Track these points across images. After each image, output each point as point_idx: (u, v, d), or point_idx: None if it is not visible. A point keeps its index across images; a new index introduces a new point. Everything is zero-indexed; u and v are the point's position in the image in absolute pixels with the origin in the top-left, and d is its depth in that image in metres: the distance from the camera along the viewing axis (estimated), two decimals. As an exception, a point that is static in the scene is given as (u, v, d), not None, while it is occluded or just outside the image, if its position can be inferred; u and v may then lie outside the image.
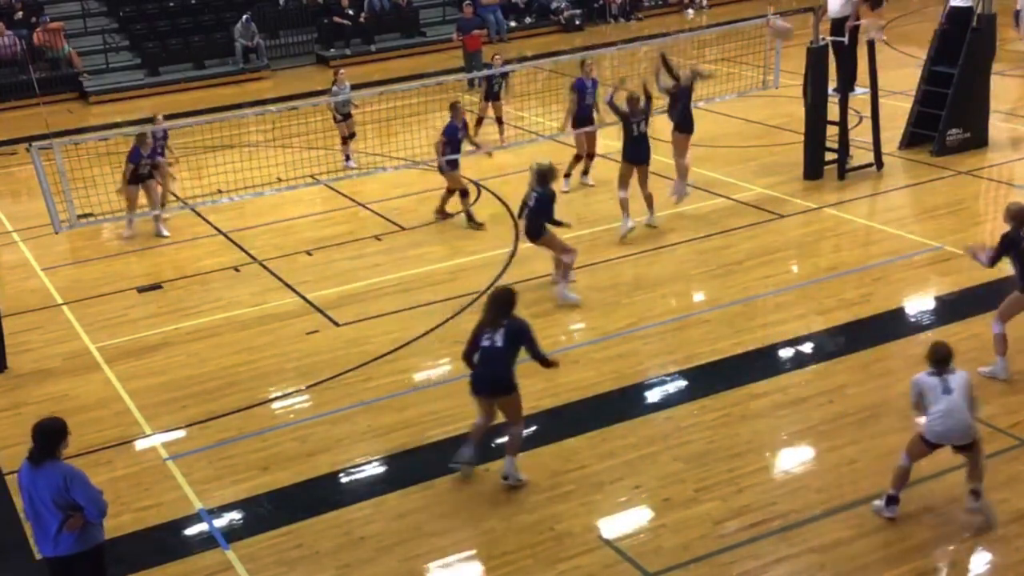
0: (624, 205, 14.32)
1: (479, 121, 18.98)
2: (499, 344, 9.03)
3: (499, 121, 18.97)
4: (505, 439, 9.46)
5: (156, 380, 11.70)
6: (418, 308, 12.80)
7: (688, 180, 15.21)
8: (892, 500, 8.64)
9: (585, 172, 16.65)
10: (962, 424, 8.32)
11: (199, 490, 9.63)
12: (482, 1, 28.17)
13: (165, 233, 15.94)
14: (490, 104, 19.01)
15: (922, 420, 8.49)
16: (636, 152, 14.22)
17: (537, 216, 12.49)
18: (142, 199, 15.82)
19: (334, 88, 18.44)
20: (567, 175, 16.29)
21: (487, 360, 9.11)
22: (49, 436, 7.18)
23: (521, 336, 9.13)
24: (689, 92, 14.97)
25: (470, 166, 17.61)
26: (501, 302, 9.20)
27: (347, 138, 18.41)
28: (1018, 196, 15.56)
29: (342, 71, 19.01)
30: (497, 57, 19.86)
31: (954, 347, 11.14)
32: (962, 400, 8.34)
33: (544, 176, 12.39)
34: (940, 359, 8.48)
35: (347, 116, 18.41)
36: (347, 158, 18.43)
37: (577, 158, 16.49)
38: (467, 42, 23.98)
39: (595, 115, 16.21)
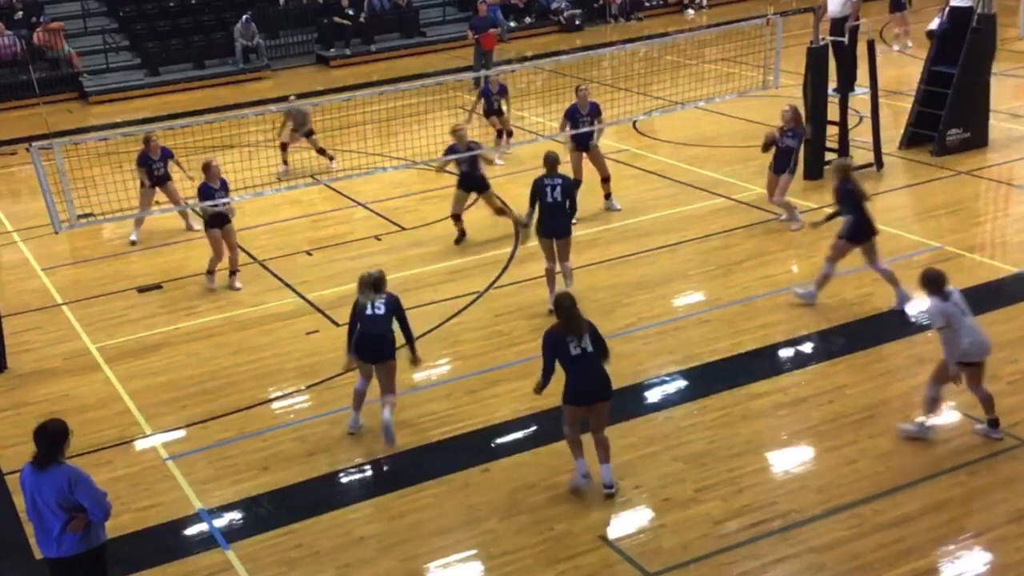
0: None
1: (499, 134, 18.58)
2: (591, 349, 8.91)
3: (506, 134, 18.61)
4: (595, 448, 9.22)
5: (156, 380, 11.71)
6: (418, 308, 12.77)
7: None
8: (927, 424, 9.58)
9: (607, 196, 15.65)
10: (986, 339, 9.33)
11: (199, 490, 9.64)
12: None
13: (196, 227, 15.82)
14: (495, 119, 18.66)
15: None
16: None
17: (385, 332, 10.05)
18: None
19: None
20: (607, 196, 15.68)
21: (587, 368, 8.91)
22: (54, 439, 7.18)
23: (599, 336, 9.05)
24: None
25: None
26: (572, 305, 8.99)
27: (284, 146, 18.27)
28: (1018, 196, 15.62)
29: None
30: (493, 77, 19.16)
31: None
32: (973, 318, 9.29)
33: (377, 285, 10.08)
34: (942, 284, 9.22)
35: (310, 134, 18.24)
36: (284, 162, 18.30)
37: (577, 183, 15.75)
38: (482, 41, 23.85)
39: (594, 138, 15.27)
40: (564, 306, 9.01)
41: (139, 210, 15.61)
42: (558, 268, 12.50)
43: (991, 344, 9.45)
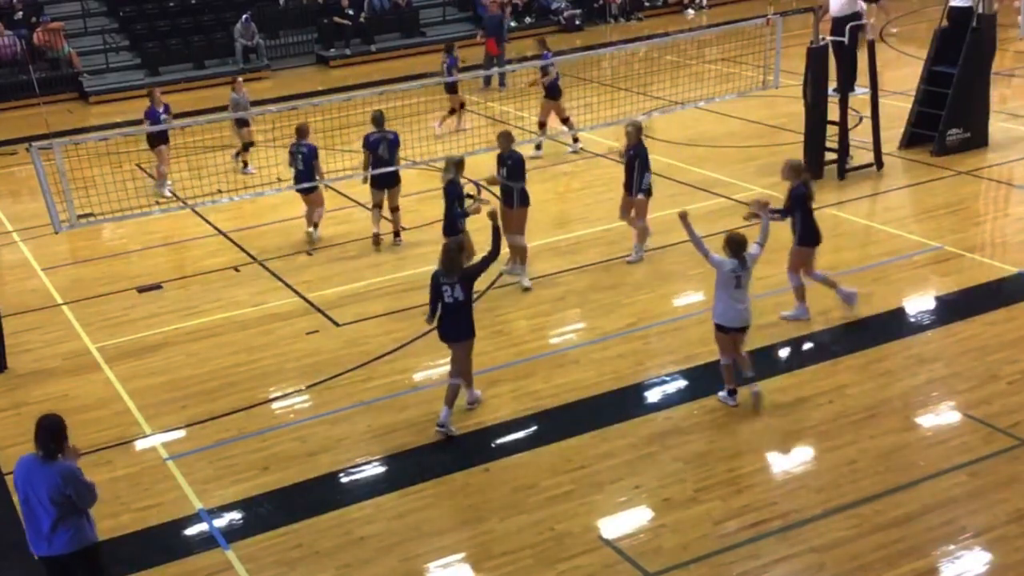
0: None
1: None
2: (461, 299, 10.07)
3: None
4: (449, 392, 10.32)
5: (156, 380, 11.71)
6: (418, 308, 12.76)
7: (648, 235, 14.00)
8: (732, 392, 10.28)
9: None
10: (740, 313, 9.98)
11: (199, 490, 9.64)
12: (483, 1, 28.17)
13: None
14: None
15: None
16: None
17: None
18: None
19: (234, 96, 18.34)
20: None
21: (453, 315, 10.15)
22: (56, 432, 7.23)
23: (470, 284, 10.22)
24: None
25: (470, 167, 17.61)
26: (454, 249, 10.24)
27: (248, 145, 18.46)
28: (1018, 196, 15.62)
29: (239, 78, 19.06)
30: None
31: (954, 346, 11.31)
32: (747, 291, 9.98)
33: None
34: (737, 248, 9.89)
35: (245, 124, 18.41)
36: (245, 164, 18.48)
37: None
38: (488, 46, 23.74)
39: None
40: (448, 248, 10.30)
41: (162, 165, 17.33)
42: None
43: (743, 321, 10.02)
